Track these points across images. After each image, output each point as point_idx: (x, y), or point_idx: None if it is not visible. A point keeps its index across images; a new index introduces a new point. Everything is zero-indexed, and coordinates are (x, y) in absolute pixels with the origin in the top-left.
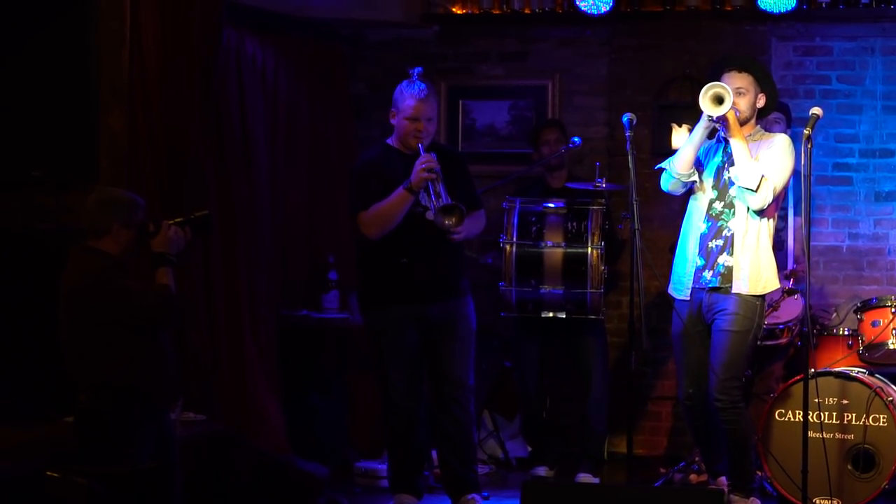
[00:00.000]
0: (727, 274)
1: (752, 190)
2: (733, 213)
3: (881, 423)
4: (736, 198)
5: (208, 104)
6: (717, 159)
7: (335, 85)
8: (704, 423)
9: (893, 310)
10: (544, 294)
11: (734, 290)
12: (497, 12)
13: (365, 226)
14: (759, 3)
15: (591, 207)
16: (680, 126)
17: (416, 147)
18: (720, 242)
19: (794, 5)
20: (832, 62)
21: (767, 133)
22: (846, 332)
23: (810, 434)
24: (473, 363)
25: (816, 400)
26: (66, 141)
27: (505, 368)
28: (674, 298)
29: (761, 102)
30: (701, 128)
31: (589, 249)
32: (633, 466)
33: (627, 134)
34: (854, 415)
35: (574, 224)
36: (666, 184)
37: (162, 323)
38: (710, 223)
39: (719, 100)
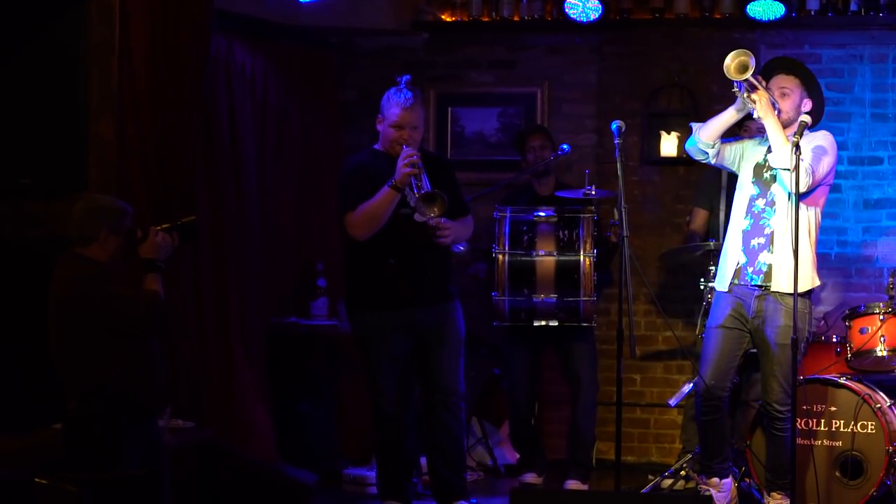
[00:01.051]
0: (768, 272)
1: (787, 169)
2: (775, 211)
3: (869, 430)
4: (777, 196)
5: (198, 112)
6: (759, 155)
7: (325, 92)
8: (716, 418)
9: (881, 317)
10: (537, 303)
11: (774, 289)
12: (486, 20)
13: (352, 226)
14: (748, 10)
15: (581, 215)
16: (669, 133)
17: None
18: (762, 240)
19: (783, 13)
20: (821, 70)
21: (811, 132)
22: (834, 340)
23: (798, 441)
24: (463, 369)
25: (805, 407)
26: (56, 149)
27: (493, 376)
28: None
29: (807, 107)
30: (734, 106)
31: (581, 257)
32: (621, 473)
33: (616, 141)
34: (842, 422)
35: (566, 232)
36: (688, 144)
37: (150, 329)
38: (752, 220)
39: (745, 67)
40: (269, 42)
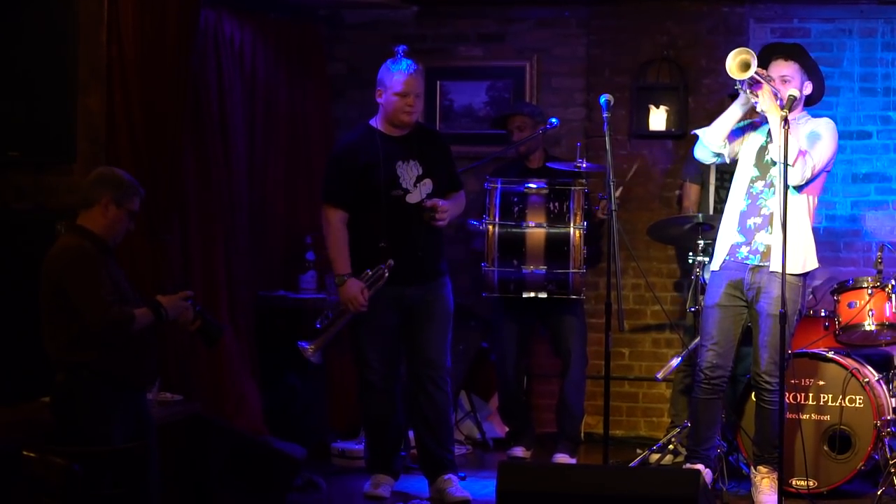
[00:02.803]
0: (766, 252)
1: (789, 164)
2: (773, 192)
3: (857, 405)
4: (776, 178)
5: (186, 85)
6: (760, 138)
7: (313, 66)
8: (714, 399)
9: (870, 291)
10: (527, 274)
11: (772, 269)
12: None
13: (324, 221)
14: None
15: (572, 188)
16: (658, 108)
17: (408, 123)
18: (759, 220)
19: None
20: (810, 44)
21: (814, 119)
22: (823, 314)
23: (787, 415)
24: (451, 344)
25: (793, 381)
26: (44, 121)
27: (482, 349)
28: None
29: (808, 90)
30: (738, 103)
31: (571, 229)
32: (609, 447)
33: (605, 115)
34: (830, 396)
35: (556, 204)
36: (696, 151)
37: (100, 338)
38: (749, 201)
39: (746, 66)
40: (257, 15)
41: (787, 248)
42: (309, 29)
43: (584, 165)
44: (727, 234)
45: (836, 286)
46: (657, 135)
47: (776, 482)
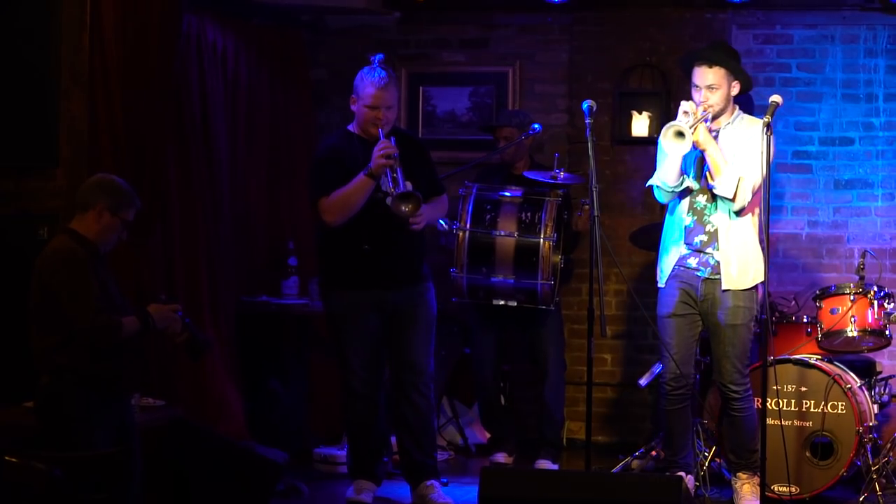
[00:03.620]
0: (717, 266)
1: (729, 199)
2: (716, 208)
3: (839, 411)
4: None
5: (169, 90)
6: (698, 153)
7: (296, 71)
8: (682, 408)
9: (852, 297)
10: (495, 283)
11: (724, 287)
12: None
13: (326, 212)
14: None
15: (546, 198)
16: (640, 113)
17: (376, 134)
18: (705, 238)
19: None
20: (792, 50)
21: (748, 118)
22: (805, 320)
23: (769, 421)
24: (434, 349)
25: (775, 387)
26: (26, 126)
27: (464, 355)
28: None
29: (735, 90)
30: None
31: (541, 240)
32: (591, 453)
33: (587, 121)
34: (812, 402)
35: (528, 214)
36: (660, 197)
37: (86, 343)
38: (694, 217)
39: (680, 134)
40: (240, 20)
41: (735, 265)
42: (291, 34)
43: (561, 177)
44: (673, 250)
45: (818, 292)
46: (639, 140)
47: (758, 487)
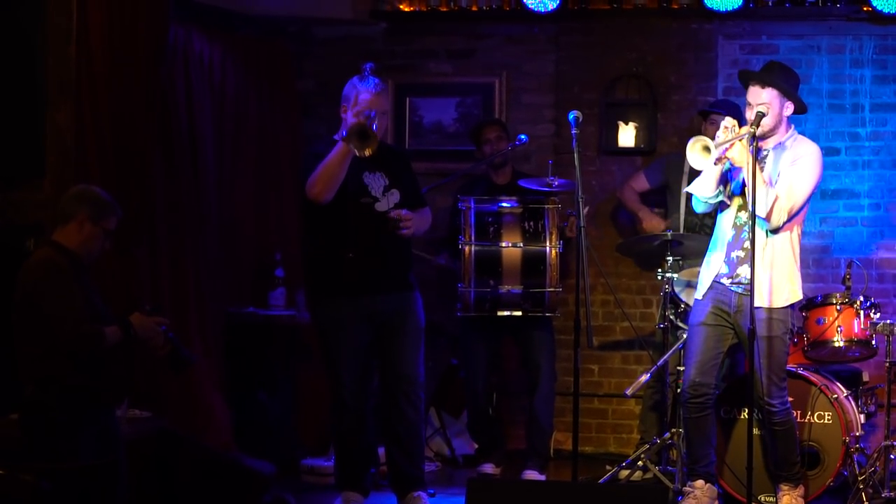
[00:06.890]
0: (748, 285)
1: (763, 218)
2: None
3: (826, 421)
4: None
5: (155, 101)
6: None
7: (283, 82)
8: (703, 416)
9: (838, 307)
10: (503, 294)
11: (757, 304)
12: (444, 10)
13: (311, 187)
14: (705, 1)
15: (546, 206)
16: (627, 124)
17: None
18: (741, 254)
19: (740, 4)
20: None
21: (803, 139)
22: (792, 330)
23: (755, 431)
24: (423, 359)
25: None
26: (12, 136)
27: (451, 366)
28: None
29: (789, 111)
30: (711, 163)
31: (548, 248)
32: (578, 463)
33: (574, 131)
34: (799, 412)
35: (531, 223)
36: (696, 207)
37: (68, 351)
38: (735, 232)
39: (707, 149)
40: (226, 31)
41: (767, 284)
42: (278, 45)
43: (556, 184)
44: (714, 263)
45: (804, 302)
46: (626, 151)
47: (800, 499)
